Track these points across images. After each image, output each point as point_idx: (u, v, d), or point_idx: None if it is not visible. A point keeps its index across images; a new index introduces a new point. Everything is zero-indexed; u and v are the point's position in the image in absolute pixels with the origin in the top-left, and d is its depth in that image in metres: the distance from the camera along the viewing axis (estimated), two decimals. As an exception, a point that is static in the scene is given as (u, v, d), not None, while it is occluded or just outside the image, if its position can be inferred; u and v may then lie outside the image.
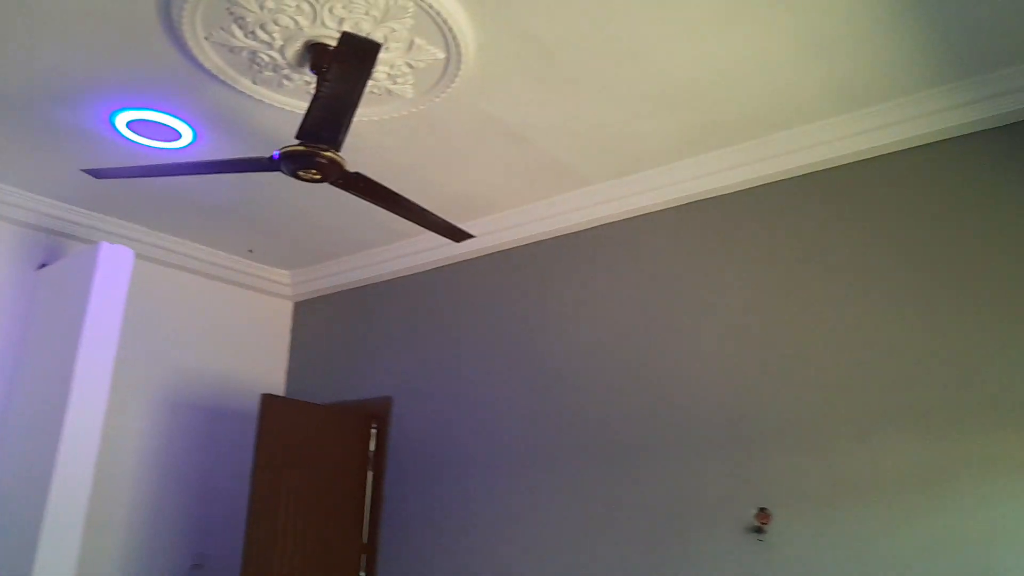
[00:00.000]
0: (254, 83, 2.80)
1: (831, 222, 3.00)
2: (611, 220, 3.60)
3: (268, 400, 3.77)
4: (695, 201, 3.36)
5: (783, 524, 2.81)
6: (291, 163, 2.42)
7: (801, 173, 3.09)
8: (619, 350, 3.42)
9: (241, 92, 2.85)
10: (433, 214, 2.82)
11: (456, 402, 3.94)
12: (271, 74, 2.72)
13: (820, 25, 2.42)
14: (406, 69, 2.66)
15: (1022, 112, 2.64)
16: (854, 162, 2.98)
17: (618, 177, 3.47)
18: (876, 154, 2.93)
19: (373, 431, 4.29)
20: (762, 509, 2.87)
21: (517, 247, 3.90)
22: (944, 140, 2.80)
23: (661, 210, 3.46)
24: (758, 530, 2.86)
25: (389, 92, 2.79)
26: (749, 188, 3.23)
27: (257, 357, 4.68)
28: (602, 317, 3.52)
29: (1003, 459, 2.47)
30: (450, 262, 4.14)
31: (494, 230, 3.87)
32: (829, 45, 2.52)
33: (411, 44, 2.53)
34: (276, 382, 4.72)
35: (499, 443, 3.71)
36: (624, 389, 3.36)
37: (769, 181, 3.17)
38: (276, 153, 2.43)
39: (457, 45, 2.51)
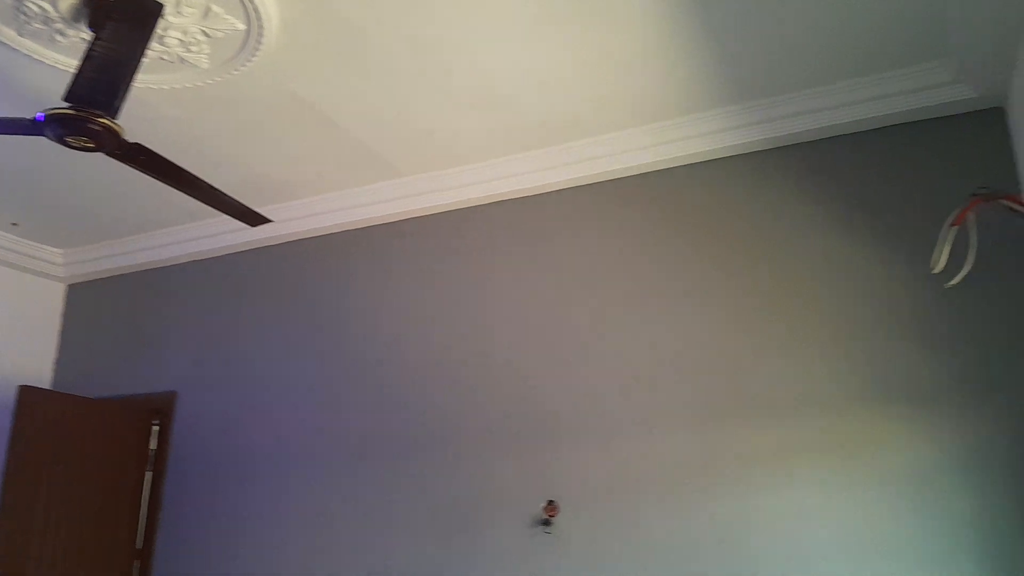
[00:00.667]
0: (20, 35, 2.47)
1: (627, 228, 3.16)
2: (420, 214, 3.57)
3: (27, 393, 3.37)
4: (504, 200, 3.41)
5: (570, 516, 2.92)
6: (58, 128, 2.16)
7: (604, 179, 3.23)
8: (418, 345, 3.40)
9: (4, 44, 2.51)
10: (226, 195, 2.64)
11: (247, 397, 3.73)
12: (41, 27, 2.42)
13: (625, 41, 2.54)
14: (201, 37, 2.46)
15: (790, 137, 2.92)
16: (652, 172, 3.16)
17: (431, 171, 3.45)
18: (670, 165, 3.13)
19: (155, 428, 3.96)
20: (550, 502, 2.96)
21: (320, 236, 3.76)
22: (728, 157, 3.04)
23: (470, 207, 3.48)
24: (546, 522, 2.95)
25: (182, 60, 2.58)
26: (555, 191, 3.33)
27: (20, 345, 4.17)
28: (403, 311, 3.48)
29: (760, 453, 2.72)
30: (245, 248, 3.91)
31: (296, 216, 3.70)
32: (632, 60, 2.64)
33: (207, 11, 2.34)
34: (41, 373, 4.23)
35: (292, 441, 3.55)
36: (421, 384, 3.34)
37: (574, 185, 3.29)
38: (40, 115, 2.16)
39: (259, 17, 2.37)
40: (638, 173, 3.18)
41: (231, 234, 3.82)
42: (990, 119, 2.69)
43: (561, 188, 3.32)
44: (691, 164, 3.10)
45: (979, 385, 2.53)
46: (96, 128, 2.15)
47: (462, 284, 3.40)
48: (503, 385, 3.19)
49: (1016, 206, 2.35)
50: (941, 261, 2.30)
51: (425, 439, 3.26)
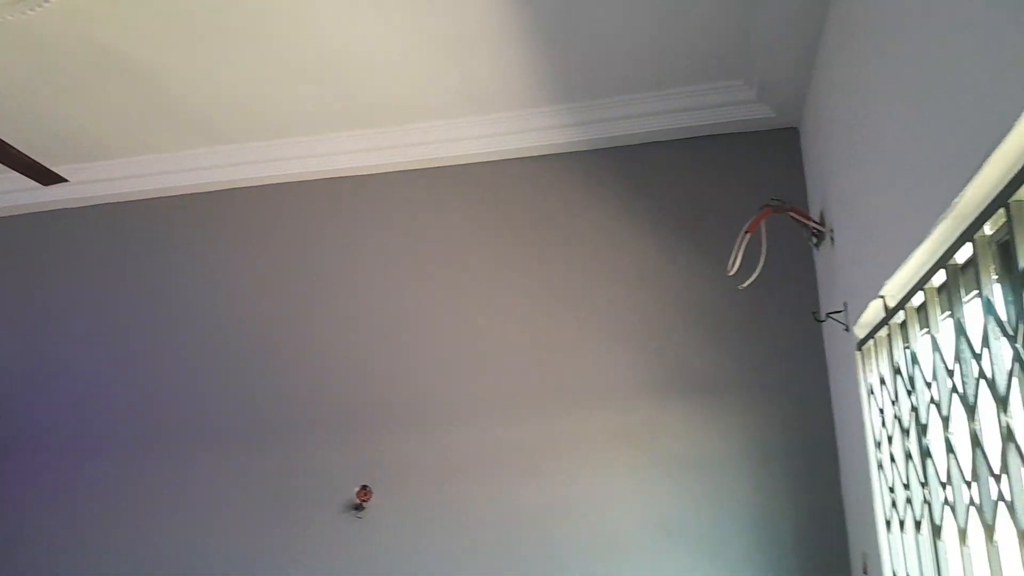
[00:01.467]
0: None
1: (457, 216, 3.19)
2: (244, 185, 3.41)
3: None
4: (334, 178, 3.33)
5: (385, 501, 2.92)
6: None
7: (435, 165, 3.23)
8: (237, 324, 3.26)
9: None
10: (14, 149, 2.39)
11: (44, 375, 3.42)
12: None
13: (457, 29, 2.54)
14: (-13, -35, 2.22)
15: (610, 140, 3.06)
16: (482, 162, 3.20)
17: (259, 141, 3.29)
18: (499, 157, 3.18)
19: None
20: (363, 487, 2.94)
21: (132, 201, 3.49)
22: (553, 154, 3.14)
23: (298, 182, 3.37)
24: (358, 507, 2.93)
25: (-35, -9, 2.30)
26: (387, 172, 3.29)
27: None
28: (223, 288, 3.32)
29: (570, 441, 2.85)
30: (37, 210, 3.55)
31: (102, 179, 3.41)
32: (463, 50, 2.66)
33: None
34: None
35: (90, 422, 3.30)
36: (239, 365, 3.21)
37: (407, 168, 3.26)
38: None
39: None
40: (469, 162, 3.21)
41: (16, 194, 3.45)
42: (786, 138, 2.96)
43: (393, 170, 3.29)
44: (519, 158, 3.17)
45: (762, 381, 2.78)
46: None
47: (287, 262, 3.29)
48: (326, 369, 3.12)
49: (801, 218, 2.60)
50: (735, 265, 2.51)
51: (242, 422, 3.14)
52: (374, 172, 3.30)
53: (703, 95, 2.87)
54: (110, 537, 3.13)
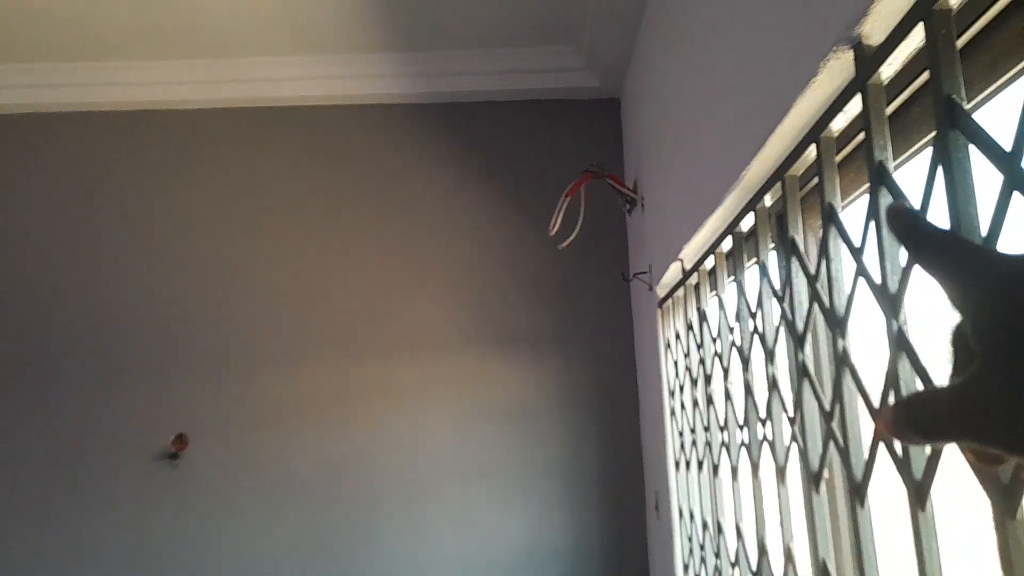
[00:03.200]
0: None
1: (289, 157, 3.09)
2: (45, 110, 3.09)
3: None
4: (152, 111, 3.11)
5: (201, 449, 2.83)
6: None
7: (265, 104, 3.10)
8: (30, 259, 2.98)
9: None
10: None
11: None
12: None
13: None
14: None
15: (446, 95, 3.08)
16: (316, 105, 3.11)
17: (63, 62, 2.99)
18: (335, 102, 3.10)
19: None
20: (179, 435, 2.84)
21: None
22: (391, 104, 3.11)
23: (109, 112, 3.11)
24: (173, 455, 2.82)
25: None
26: (212, 108, 3.11)
27: None
28: (18, 218, 3.02)
29: (394, 387, 2.89)
30: None
31: None
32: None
33: None
34: None
35: None
36: (25, 305, 2.95)
37: (233, 105, 3.10)
38: None
39: None
40: (304, 104, 3.11)
41: None
42: (608, 108, 3.12)
43: (219, 106, 3.12)
44: (357, 105, 3.11)
45: (576, 335, 2.96)
46: None
47: (93, 197, 3.04)
48: (133, 312, 2.94)
49: (617, 185, 2.76)
50: (556, 225, 2.63)
51: (32, 368, 2.90)
52: (200, 107, 3.11)
53: (535, 58, 2.95)
54: None
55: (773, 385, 1.54)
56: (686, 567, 2.32)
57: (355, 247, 3.02)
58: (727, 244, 1.86)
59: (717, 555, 1.99)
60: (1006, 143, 0.76)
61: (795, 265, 1.42)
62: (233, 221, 3.04)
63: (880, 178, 1.00)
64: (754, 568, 1.66)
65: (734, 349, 1.82)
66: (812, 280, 1.32)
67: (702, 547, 2.14)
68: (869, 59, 1.00)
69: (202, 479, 2.82)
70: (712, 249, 1.91)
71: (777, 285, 1.52)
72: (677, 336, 2.39)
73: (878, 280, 1.01)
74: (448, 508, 2.81)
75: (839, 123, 1.15)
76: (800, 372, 1.38)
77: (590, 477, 2.85)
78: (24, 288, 2.96)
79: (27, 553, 2.76)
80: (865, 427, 1.14)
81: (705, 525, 2.12)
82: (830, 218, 1.20)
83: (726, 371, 1.88)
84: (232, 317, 2.95)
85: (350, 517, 2.80)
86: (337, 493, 2.81)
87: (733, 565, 1.84)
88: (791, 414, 1.43)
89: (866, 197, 1.17)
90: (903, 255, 0.98)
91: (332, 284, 2.98)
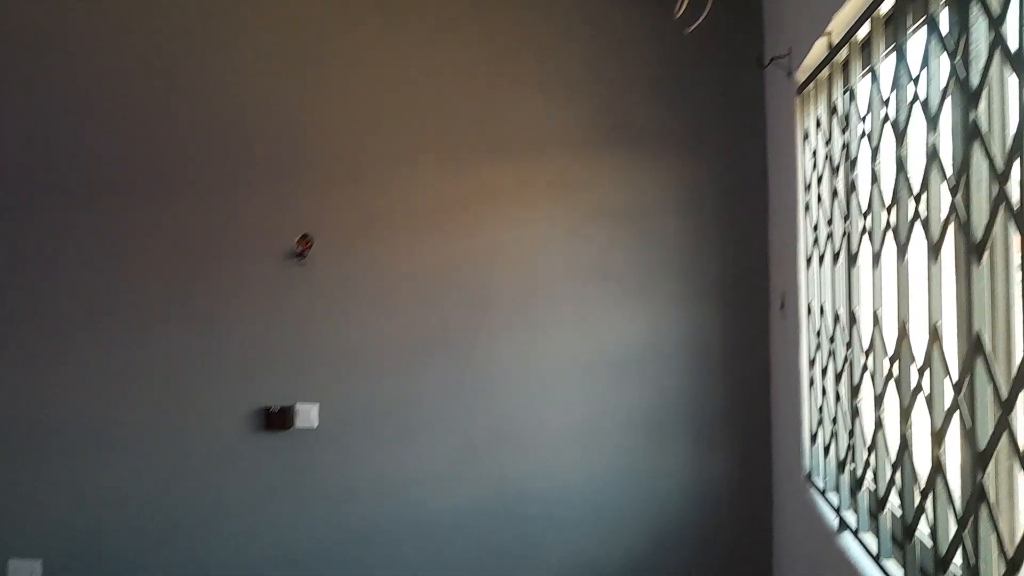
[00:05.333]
0: None
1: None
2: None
3: None
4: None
5: (323, 249, 2.95)
6: None
7: None
8: (159, 75, 3.05)
9: None
10: None
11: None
12: None
13: None
14: None
15: None
16: None
17: None
18: None
19: None
20: (304, 235, 2.95)
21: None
22: None
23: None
24: (300, 255, 2.96)
25: None
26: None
27: None
28: (144, 32, 3.06)
29: (504, 191, 2.87)
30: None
31: None
32: None
33: None
34: None
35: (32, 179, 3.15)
36: (159, 119, 3.04)
37: None
38: None
39: None
40: None
41: None
42: None
43: None
44: None
45: (700, 130, 2.80)
46: None
47: (190, 6, 3.02)
48: (254, 122, 2.99)
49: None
50: (682, 8, 2.41)
51: (169, 177, 3.04)
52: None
53: None
54: (43, 291, 3.12)
55: (933, 155, 1.39)
56: (812, 361, 2.28)
57: (466, 48, 2.90)
58: (886, 6, 1.64)
59: (848, 345, 1.93)
60: None
61: (974, 10, 1.22)
62: (348, 30, 2.96)
63: None
64: (891, 352, 1.59)
65: (886, 125, 1.65)
66: (996, 22, 1.13)
67: (831, 339, 2.08)
68: None
69: (325, 276, 2.96)
70: (869, 13, 1.69)
71: (946, 36, 1.33)
72: (818, 124, 2.20)
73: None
74: (563, 309, 2.84)
75: None
76: (969, 134, 1.23)
77: (712, 277, 2.79)
78: (158, 96, 3.04)
79: (170, 343, 3.03)
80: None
81: (836, 318, 2.04)
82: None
83: (875, 151, 1.71)
84: (351, 124, 2.94)
85: (466, 315, 2.88)
86: (453, 292, 2.89)
87: (867, 352, 1.77)
88: (952, 183, 1.29)
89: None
90: None
91: (447, 87, 2.90)
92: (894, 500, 1.62)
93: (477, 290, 2.88)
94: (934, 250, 1.39)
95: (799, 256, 2.35)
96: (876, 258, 1.70)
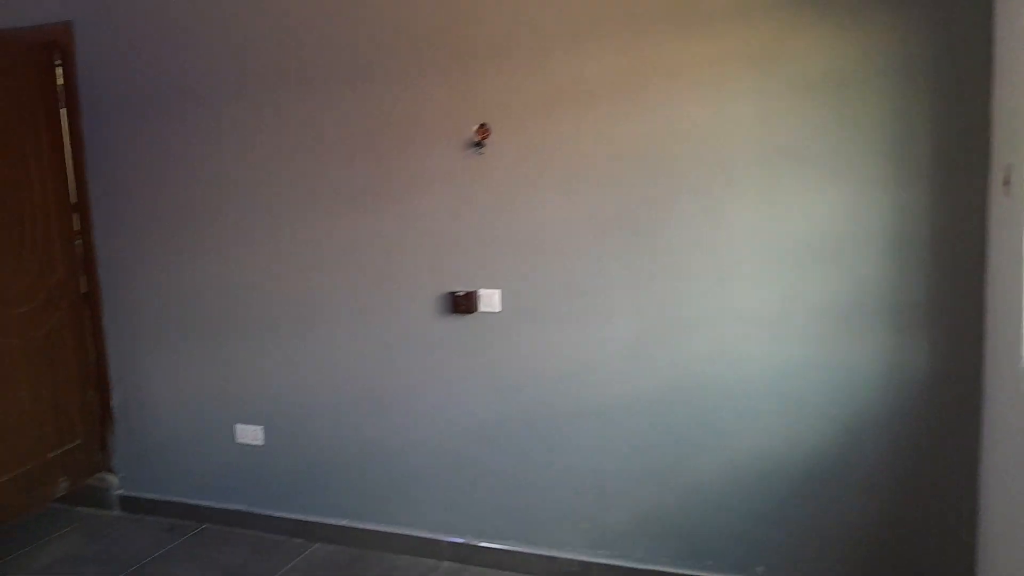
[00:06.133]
0: None
1: None
2: None
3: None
4: None
5: (501, 137, 2.95)
6: None
7: None
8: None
9: None
10: None
11: (153, 28, 3.46)
12: None
13: None
14: None
15: None
16: None
17: None
18: None
19: (58, 68, 3.69)
20: (482, 124, 2.97)
21: None
22: None
23: None
24: (478, 144, 2.99)
25: None
26: None
27: None
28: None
29: (688, 65, 2.70)
30: None
31: None
32: None
33: None
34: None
35: (206, 73, 3.38)
36: (351, 8, 3.12)
37: None
38: None
39: None
40: None
41: None
42: None
43: None
44: None
45: (915, -15, 2.47)
46: None
47: None
48: (424, 4, 2.99)
49: None
50: None
51: (346, 67, 3.14)
52: None
53: None
54: (226, 175, 3.38)
55: None
56: (1042, 243, 2.03)
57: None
58: None
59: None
60: None
61: None
62: None
63: None
64: None
65: None
66: None
67: (1072, 216, 1.83)
68: None
69: (505, 164, 2.97)
70: None
71: None
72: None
73: None
74: (751, 192, 2.69)
75: None
76: None
77: (919, 154, 2.52)
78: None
79: (367, 228, 3.20)
80: None
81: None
82: None
83: None
84: (524, 5, 2.87)
85: (650, 198, 2.80)
86: (636, 175, 2.81)
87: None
88: None
89: None
90: None
91: (624, -47, 2.74)
92: None
93: (662, 173, 2.78)
94: None
95: (1033, 122, 2.06)
96: None
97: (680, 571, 2.90)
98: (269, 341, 3.45)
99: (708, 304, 2.78)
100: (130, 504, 3.90)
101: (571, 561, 3.05)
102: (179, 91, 3.45)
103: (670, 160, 2.76)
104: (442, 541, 3.24)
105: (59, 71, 3.69)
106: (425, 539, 3.27)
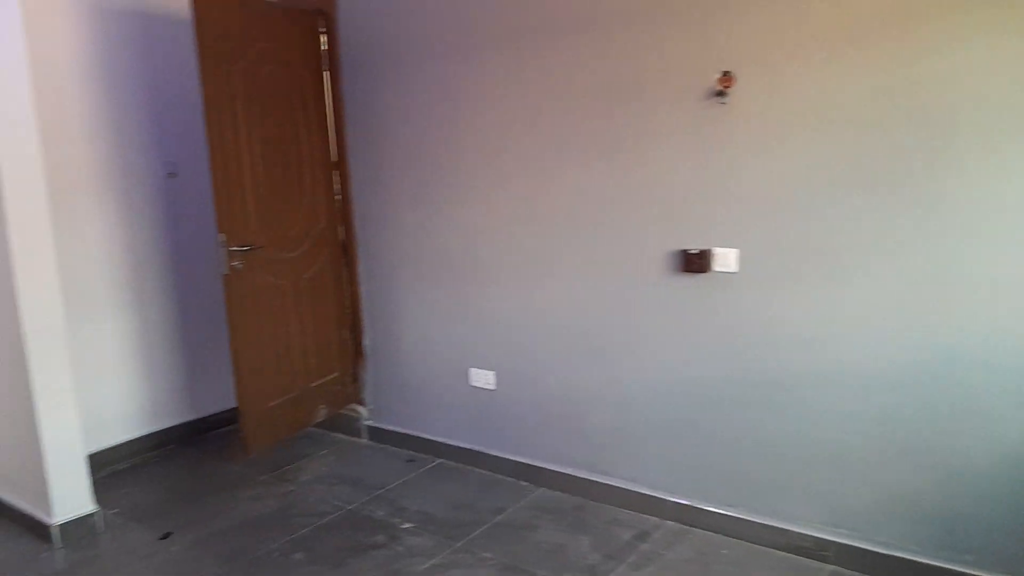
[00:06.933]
0: None
1: None
2: None
3: (200, 2, 3.45)
4: None
5: (745, 86, 2.78)
6: None
7: None
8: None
9: None
10: None
11: (405, -10, 3.67)
12: None
13: None
14: None
15: None
16: None
17: None
18: None
19: (323, 34, 4.04)
20: (725, 72, 2.81)
21: None
22: None
23: None
24: (720, 93, 2.84)
25: None
26: None
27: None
28: None
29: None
30: None
31: None
32: None
33: None
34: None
35: (448, 30, 3.52)
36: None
37: None
38: None
39: None
40: None
41: None
42: None
43: None
44: None
45: None
46: None
47: None
48: (671, -53, 2.87)
49: None
50: None
51: (583, 16, 3.11)
52: None
53: None
54: (476, 128, 3.50)
55: None
56: None
57: None
58: None
59: None
60: None
61: None
62: None
63: None
64: None
65: None
66: None
67: None
68: None
69: (747, 115, 2.79)
70: None
71: None
72: None
73: None
74: (1046, 139, 2.31)
75: None
76: None
77: None
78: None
79: (598, 179, 3.18)
80: None
81: None
82: None
83: None
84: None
85: (914, 148, 2.49)
86: (899, 123, 2.51)
87: None
88: None
89: None
90: None
91: None
92: None
93: (936, 123, 2.45)
94: None
95: None
96: None
97: (932, 562, 2.64)
98: (503, 290, 3.58)
99: (979, 268, 2.44)
100: (376, 434, 4.28)
101: (803, 536, 2.89)
102: (423, 51, 3.63)
103: (947, 109, 2.43)
104: (666, 500, 3.22)
105: (323, 38, 4.03)
106: (647, 496, 3.26)
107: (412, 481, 3.77)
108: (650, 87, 3.00)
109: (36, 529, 3.35)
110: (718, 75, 2.82)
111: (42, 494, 3.29)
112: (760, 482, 2.97)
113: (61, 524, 3.29)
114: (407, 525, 3.31)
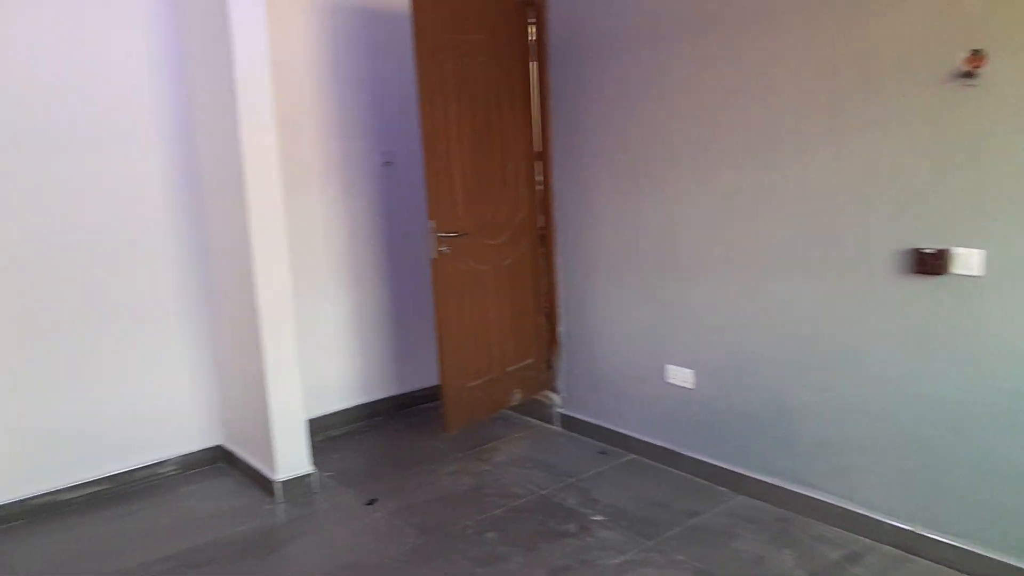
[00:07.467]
0: None
1: None
2: None
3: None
4: None
5: (1001, 65, 2.45)
6: None
7: None
8: None
9: None
10: None
11: (617, -24, 3.60)
12: None
13: None
14: None
15: None
16: None
17: None
18: None
19: (531, 25, 4.08)
20: (974, 51, 2.49)
21: None
22: None
23: None
24: (968, 75, 2.52)
25: None
26: None
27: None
28: None
29: None
30: None
31: None
32: None
33: None
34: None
35: (654, 16, 3.41)
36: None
37: None
38: None
39: None
40: None
41: None
42: None
43: None
44: None
45: None
46: None
47: None
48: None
49: None
50: None
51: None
52: None
53: None
54: (685, 113, 3.36)
55: None
56: None
57: None
58: None
59: None
60: None
61: None
62: None
63: None
64: None
65: None
66: None
67: None
68: None
69: (1004, 98, 2.45)
70: None
71: None
72: None
73: None
74: None
75: None
76: None
77: None
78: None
79: (819, 169, 2.94)
80: None
81: None
82: None
83: None
84: None
85: None
86: None
87: None
88: None
89: None
90: None
91: None
92: None
93: None
94: None
95: None
96: None
97: None
98: (705, 286, 3.44)
99: None
100: (568, 422, 4.30)
101: (1051, 580, 2.53)
102: (630, 39, 3.55)
103: None
104: (884, 522, 2.94)
105: (531, 29, 4.07)
106: (861, 515, 3.00)
107: (605, 473, 3.75)
108: (880, 70, 2.72)
109: (262, 483, 3.71)
110: (965, 55, 2.51)
111: (268, 453, 3.63)
112: (1000, 512, 2.63)
113: (284, 481, 3.61)
114: (598, 517, 3.29)
